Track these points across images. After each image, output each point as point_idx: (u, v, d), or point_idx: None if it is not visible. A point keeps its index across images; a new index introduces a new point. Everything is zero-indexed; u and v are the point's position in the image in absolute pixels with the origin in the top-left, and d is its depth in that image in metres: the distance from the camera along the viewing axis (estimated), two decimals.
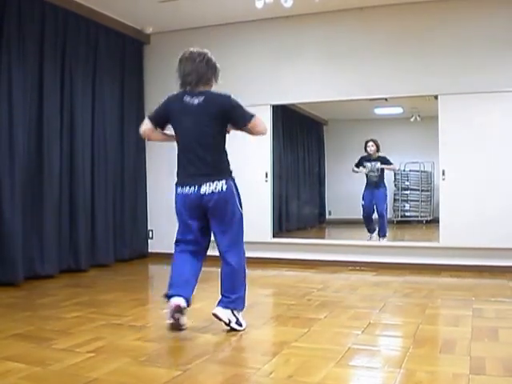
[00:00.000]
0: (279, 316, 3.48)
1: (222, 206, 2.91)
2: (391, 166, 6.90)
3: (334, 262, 5.57)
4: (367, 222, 6.74)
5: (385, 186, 6.83)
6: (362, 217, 6.78)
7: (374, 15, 5.55)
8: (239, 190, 3.04)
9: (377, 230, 6.62)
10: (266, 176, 5.93)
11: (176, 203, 3.00)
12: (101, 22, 5.71)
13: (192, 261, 3.01)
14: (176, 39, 6.34)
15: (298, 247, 5.95)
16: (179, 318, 2.78)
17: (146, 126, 3.11)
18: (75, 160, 5.37)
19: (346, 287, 4.52)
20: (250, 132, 3.01)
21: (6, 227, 4.51)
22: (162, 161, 6.44)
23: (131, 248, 6.18)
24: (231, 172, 3.00)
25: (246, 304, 3.08)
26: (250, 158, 5.87)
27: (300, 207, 8.02)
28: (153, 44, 6.50)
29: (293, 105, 6.55)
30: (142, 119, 6.30)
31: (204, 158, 2.91)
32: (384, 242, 6.37)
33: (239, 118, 2.96)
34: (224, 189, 2.89)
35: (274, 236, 6.01)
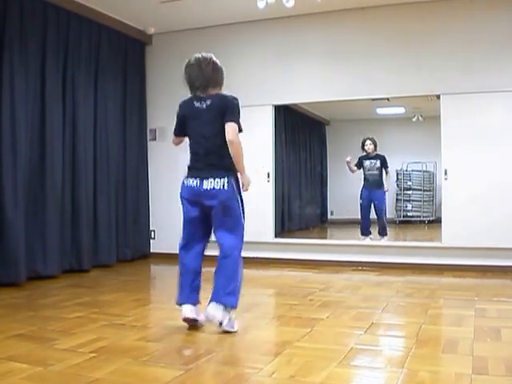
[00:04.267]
0: (281, 316, 3.48)
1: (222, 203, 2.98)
2: (387, 180, 6.69)
3: (336, 262, 5.57)
4: (364, 224, 6.58)
5: (383, 185, 6.69)
6: (359, 216, 6.64)
7: (376, 15, 5.54)
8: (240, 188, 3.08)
9: (377, 230, 6.55)
10: (268, 176, 5.93)
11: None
12: (103, 22, 5.71)
13: None
14: (178, 40, 6.36)
15: (300, 247, 5.95)
16: None
17: (174, 141, 3.27)
18: (77, 160, 5.37)
19: (348, 287, 4.51)
20: (227, 139, 2.96)
21: (8, 227, 4.51)
22: (163, 161, 6.45)
23: (133, 248, 6.19)
24: (235, 170, 3.03)
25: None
26: (252, 158, 5.85)
27: (302, 207, 8.02)
28: (155, 44, 6.51)
29: (295, 105, 6.55)
30: (144, 120, 6.47)
31: (208, 155, 3.00)
32: (386, 242, 6.36)
33: (228, 114, 2.97)
34: (225, 187, 2.95)
35: (276, 236, 6.01)
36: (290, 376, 2.27)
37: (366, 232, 6.55)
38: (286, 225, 7.16)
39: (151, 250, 6.44)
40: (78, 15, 5.36)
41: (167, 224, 6.38)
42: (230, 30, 6.11)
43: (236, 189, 3.02)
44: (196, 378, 2.29)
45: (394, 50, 5.50)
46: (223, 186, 2.95)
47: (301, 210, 7.96)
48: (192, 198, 3.04)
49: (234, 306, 2.96)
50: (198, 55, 3.07)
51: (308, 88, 5.81)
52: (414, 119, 7.30)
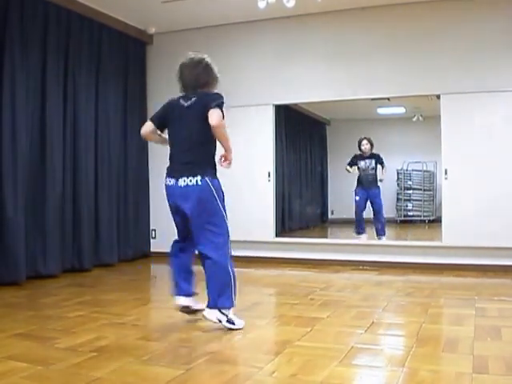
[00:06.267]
0: (282, 315, 3.49)
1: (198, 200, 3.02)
2: (383, 174, 6.77)
3: (337, 261, 5.57)
4: (359, 222, 6.66)
5: (378, 185, 6.73)
6: (354, 215, 6.72)
7: (376, 15, 5.54)
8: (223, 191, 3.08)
9: (374, 229, 6.52)
10: (269, 175, 5.93)
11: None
12: (104, 22, 5.71)
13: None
14: (179, 39, 6.35)
15: (301, 247, 5.95)
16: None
17: (147, 127, 3.29)
18: (78, 160, 5.37)
19: (348, 286, 4.51)
20: (211, 124, 2.90)
21: (8, 227, 4.51)
22: (164, 161, 6.39)
23: (134, 248, 6.19)
24: (215, 172, 3.05)
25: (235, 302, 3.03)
26: (253, 157, 5.88)
27: (302, 207, 8.02)
28: (156, 44, 6.51)
29: (295, 105, 6.55)
30: (145, 119, 6.40)
31: (187, 155, 3.11)
32: (387, 241, 6.36)
33: (210, 103, 2.90)
34: (200, 183, 2.99)
35: (276, 235, 6.01)
36: (290, 375, 2.27)
37: (361, 231, 6.60)
38: (286, 224, 7.16)
39: (152, 250, 6.44)
40: (79, 15, 5.36)
41: (168, 223, 6.37)
42: (231, 30, 6.11)
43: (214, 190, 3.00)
44: (197, 377, 2.29)
45: (394, 50, 5.50)
46: (197, 182, 2.99)
47: (301, 209, 7.96)
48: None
49: (228, 307, 3.00)
50: (192, 55, 3.10)
51: (308, 88, 5.81)
52: (414, 119, 7.30)
